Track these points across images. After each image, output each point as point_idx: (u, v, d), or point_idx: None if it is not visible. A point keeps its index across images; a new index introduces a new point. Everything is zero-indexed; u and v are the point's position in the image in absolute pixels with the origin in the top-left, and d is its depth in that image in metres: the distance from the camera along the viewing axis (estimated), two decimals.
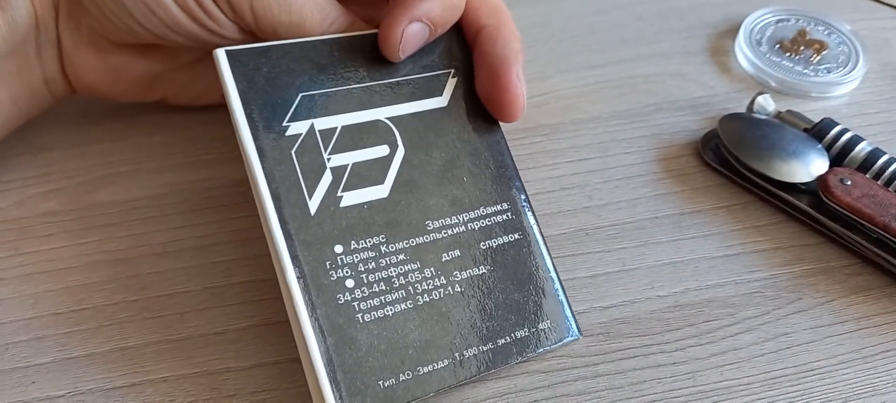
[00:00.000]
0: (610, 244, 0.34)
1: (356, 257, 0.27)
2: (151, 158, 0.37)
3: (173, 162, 0.36)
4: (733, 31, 0.43)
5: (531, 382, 0.29)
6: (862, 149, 0.35)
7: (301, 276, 0.26)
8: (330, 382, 0.25)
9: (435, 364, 0.26)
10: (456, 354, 0.27)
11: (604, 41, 0.44)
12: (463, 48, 0.32)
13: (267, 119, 0.27)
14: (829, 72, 0.41)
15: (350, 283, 0.26)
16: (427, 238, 0.28)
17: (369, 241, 0.27)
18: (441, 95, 0.30)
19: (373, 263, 0.27)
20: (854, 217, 0.32)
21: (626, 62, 0.42)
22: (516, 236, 0.29)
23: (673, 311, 0.31)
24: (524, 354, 0.28)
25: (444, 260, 0.28)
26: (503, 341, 0.28)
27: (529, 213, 0.30)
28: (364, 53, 0.30)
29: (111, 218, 0.34)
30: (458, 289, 0.28)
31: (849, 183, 0.33)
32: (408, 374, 0.26)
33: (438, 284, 0.27)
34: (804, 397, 0.29)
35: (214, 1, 0.29)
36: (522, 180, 0.31)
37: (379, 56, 0.30)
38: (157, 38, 0.31)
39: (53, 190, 0.35)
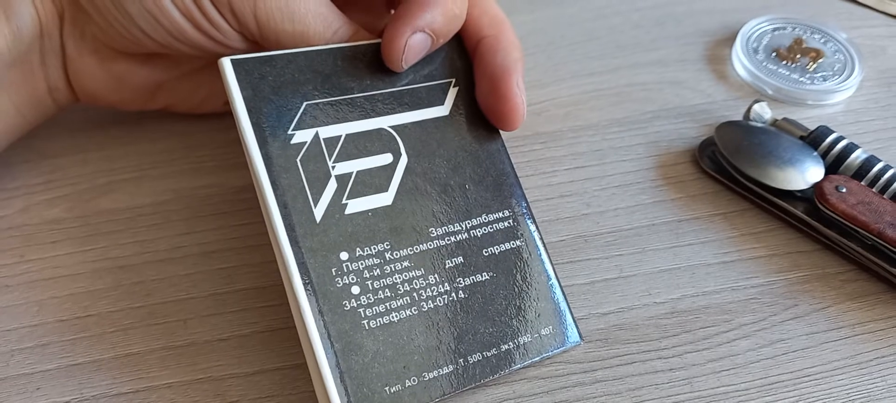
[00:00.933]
0: (608, 251, 0.34)
1: (361, 264, 0.27)
2: (155, 165, 0.37)
3: (177, 169, 0.37)
4: (730, 39, 0.44)
5: (530, 388, 0.29)
6: (857, 156, 0.35)
7: (308, 283, 0.26)
8: (337, 388, 0.25)
9: (440, 369, 0.27)
10: (460, 360, 0.27)
11: (601, 48, 0.44)
12: (463, 58, 0.32)
13: (272, 127, 0.28)
14: (825, 80, 0.41)
15: (356, 290, 0.27)
16: (430, 244, 0.28)
17: (374, 248, 0.27)
18: (442, 104, 0.31)
19: (378, 270, 0.27)
20: (849, 224, 0.33)
21: (624, 69, 0.43)
22: (518, 243, 0.30)
23: (670, 318, 0.32)
24: (527, 359, 0.28)
25: (447, 266, 0.28)
26: (506, 346, 0.28)
27: (530, 221, 0.31)
28: (367, 63, 0.30)
29: (115, 225, 0.34)
30: (462, 295, 0.28)
31: (844, 190, 0.33)
32: (413, 380, 0.26)
33: (442, 290, 0.28)
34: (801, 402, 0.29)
35: (218, 10, 0.29)
36: (523, 188, 0.31)
37: (381, 65, 0.30)
38: (162, 46, 0.31)
39: (58, 197, 0.36)
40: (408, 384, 0.26)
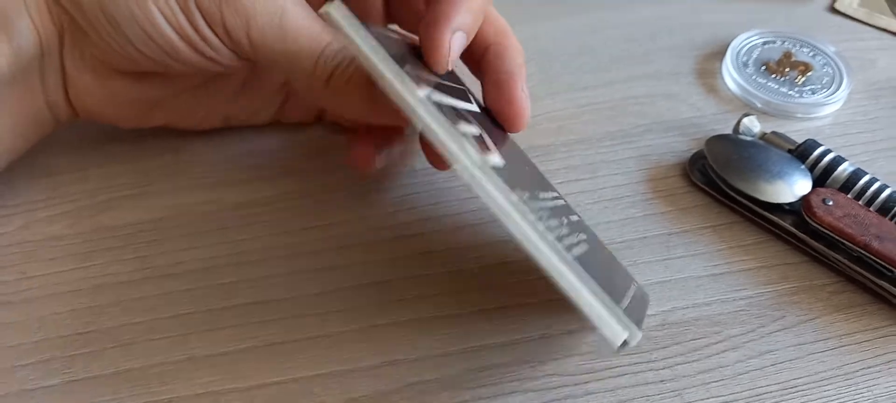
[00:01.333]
0: None
1: (540, 203, 0.26)
2: (154, 181, 0.38)
3: (176, 184, 0.37)
4: (721, 53, 0.44)
5: (523, 400, 0.30)
6: (844, 169, 0.36)
7: (538, 231, 0.24)
8: (610, 307, 0.24)
9: (625, 297, 0.27)
10: (623, 296, 0.27)
11: (595, 62, 0.45)
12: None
13: (401, 73, 0.25)
14: (813, 93, 0.42)
15: (543, 226, 0.24)
16: (547, 203, 0.28)
17: (527, 193, 0.25)
18: (471, 102, 0.31)
19: (544, 211, 0.25)
20: (836, 236, 0.33)
21: (617, 83, 0.43)
22: (576, 218, 0.31)
23: (661, 330, 0.32)
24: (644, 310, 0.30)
25: (570, 220, 0.28)
26: (629, 297, 0.28)
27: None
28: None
29: (116, 242, 0.35)
30: (588, 248, 0.27)
31: (831, 203, 0.34)
32: (623, 301, 0.26)
33: (579, 239, 0.27)
34: None
35: (212, 29, 0.30)
36: None
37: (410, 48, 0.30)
38: (157, 64, 0.32)
39: (58, 214, 0.36)
40: (623, 303, 0.26)
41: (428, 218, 0.36)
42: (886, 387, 0.31)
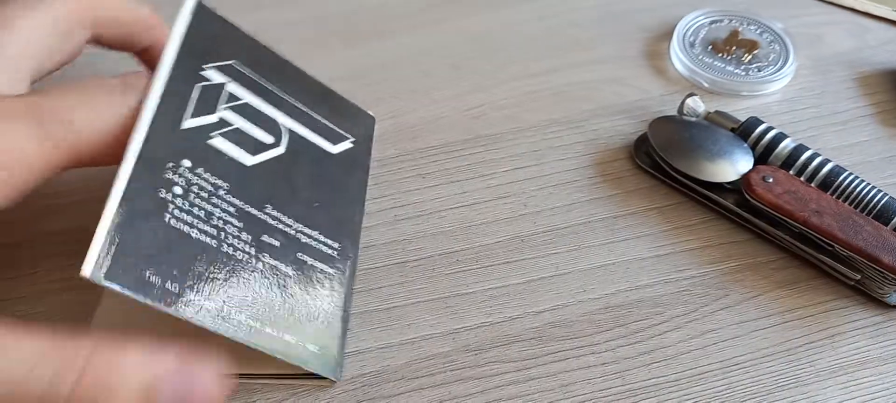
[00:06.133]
0: (544, 249, 0.35)
1: (196, 178, 0.28)
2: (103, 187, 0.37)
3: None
4: (669, 34, 0.44)
5: (465, 389, 0.30)
6: (785, 146, 0.36)
7: (144, 146, 0.26)
8: (107, 237, 0.25)
9: (203, 300, 0.27)
10: (225, 307, 0.27)
11: (541, 49, 0.44)
12: (367, 129, 0.37)
13: (193, 54, 0.30)
14: (760, 70, 0.42)
15: (178, 190, 0.27)
16: (260, 215, 0.30)
17: (214, 179, 0.29)
18: (334, 146, 0.34)
19: (205, 194, 0.28)
20: (776, 213, 0.33)
21: (564, 69, 0.43)
22: (330, 271, 0.31)
23: (604, 313, 0.32)
24: (283, 354, 0.28)
25: (262, 238, 0.29)
26: (271, 331, 0.28)
27: (350, 265, 0.32)
28: (300, 82, 0.34)
29: (58, 248, 0.35)
30: (260, 267, 0.29)
31: (771, 180, 0.34)
32: (174, 286, 0.26)
33: (247, 250, 0.29)
34: (729, 390, 0.30)
35: None
36: (359, 242, 0.34)
37: (312, 90, 0.34)
38: None
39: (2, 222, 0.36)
40: (167, 286, 0.26)
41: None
42: (829, 361, 0.31)
